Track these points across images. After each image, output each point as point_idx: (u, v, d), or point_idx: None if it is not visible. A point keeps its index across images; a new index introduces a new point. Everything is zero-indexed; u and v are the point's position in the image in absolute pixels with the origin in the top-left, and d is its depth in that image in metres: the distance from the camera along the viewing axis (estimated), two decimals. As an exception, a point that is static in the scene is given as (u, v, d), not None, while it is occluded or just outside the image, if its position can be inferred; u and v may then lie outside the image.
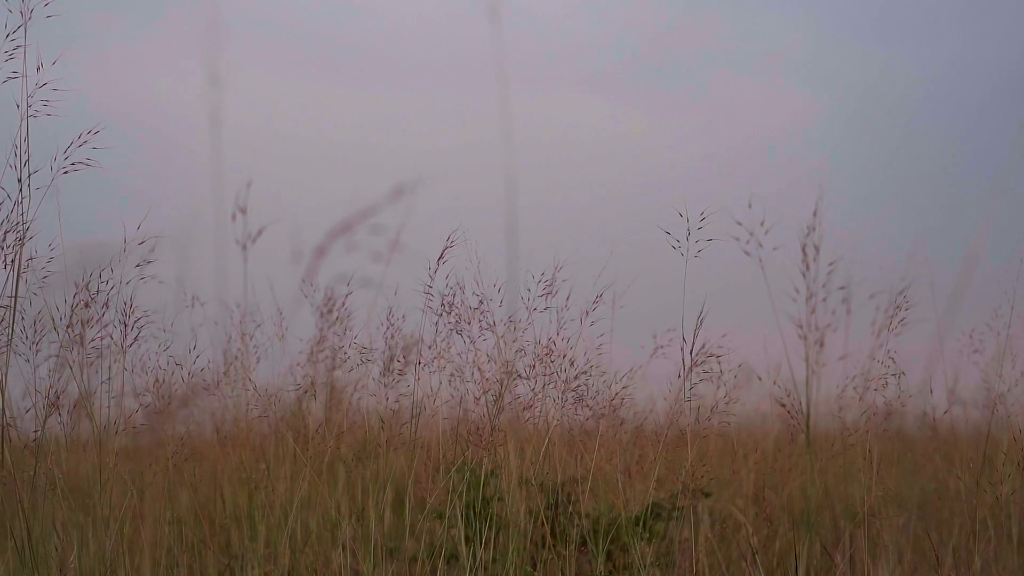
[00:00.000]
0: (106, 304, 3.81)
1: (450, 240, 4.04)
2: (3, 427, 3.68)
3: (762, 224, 3.37)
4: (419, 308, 4.13)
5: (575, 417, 4.25)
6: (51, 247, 3.73)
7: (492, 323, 4.15)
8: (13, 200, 3.65)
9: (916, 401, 4.23)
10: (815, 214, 3.36)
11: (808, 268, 3.36)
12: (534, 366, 4.17)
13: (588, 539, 4.19)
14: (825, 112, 9.53)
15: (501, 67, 3.06)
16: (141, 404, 3.96)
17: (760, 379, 4.50)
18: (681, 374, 4.01)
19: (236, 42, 3.05)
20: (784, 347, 3.37)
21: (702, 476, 4.26)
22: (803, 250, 3.36)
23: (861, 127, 9.04)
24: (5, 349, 3.69)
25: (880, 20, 9.48)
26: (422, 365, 4.12)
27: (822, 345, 3.34)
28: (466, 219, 4.04)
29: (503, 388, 4.10)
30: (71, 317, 3.78)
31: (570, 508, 4.22)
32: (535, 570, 4.11)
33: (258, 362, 4.06)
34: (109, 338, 3.84)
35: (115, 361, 3.86)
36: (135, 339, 3.87)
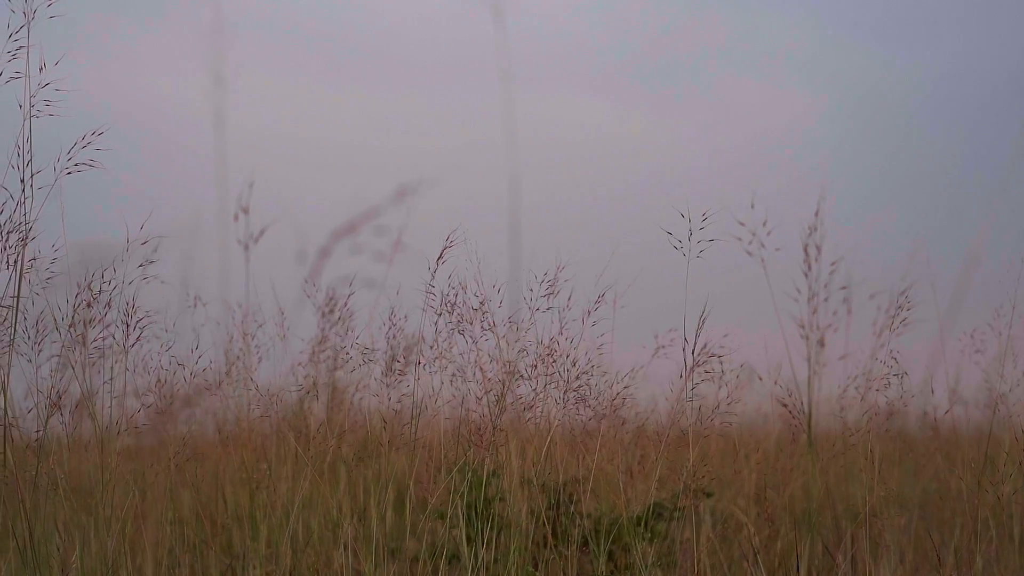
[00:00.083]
0: (108, 304, 3.82)
1: (449, 240, 4.04)
2: (5, 427, 3.69)
3: (764, 224, 3.38)
4: (421, 308, 4.13)
5: (577, 417, 4.25)
6: (54, 247, 3.74)
7: (492, 323, 4.15)
8: (16, 200, 3.65)
9: (917, 401, 4.23)
10: (817, 214, 3.37)
11: (810, 268, 3.36)
12: (536, 366, 4.17)
13: (590, 539, 4.19)
14: (826, 112, 9.53)
15: (505, 67, 3.07)
16: (143, 404, 3.96)
17: (761, 379, 4.51)
18: (683, 374, 4.01)
19: (238, 42, 3.05)
20: (786, 347, 3.37)
21: (704, 476, 4.26)
22: (805, 250, 3.37)
23: (862, 127, 9.04)
24: (7, 349, 3.69)
25: (881, 20, 9.49)
26: (423, 365, 4.13)
27: (823, 345, 3.34)
28: (468, 219, 4.04)
29: (505, 388, 4.10)
30: (73, 317, 3.78)
31: (572, 508, 4.22)
32: (537, 570, 4.11)
33: (260, 362, 4.07)
34: (111, 338, 3.84)
35: (117, 361, 3.86)
36: (137, 339, 3.87)
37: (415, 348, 4.13)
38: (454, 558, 4.01)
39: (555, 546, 4.19)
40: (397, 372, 4.10)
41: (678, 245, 3.85)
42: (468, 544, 3.96)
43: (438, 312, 4.14)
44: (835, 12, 9.55)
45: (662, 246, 3.87)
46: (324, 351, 3.89)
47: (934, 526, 4.56)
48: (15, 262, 3.67)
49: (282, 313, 4.04)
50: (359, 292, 3.84)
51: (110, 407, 3.86)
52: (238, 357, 3.90)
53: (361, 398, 4.11)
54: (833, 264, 3.37)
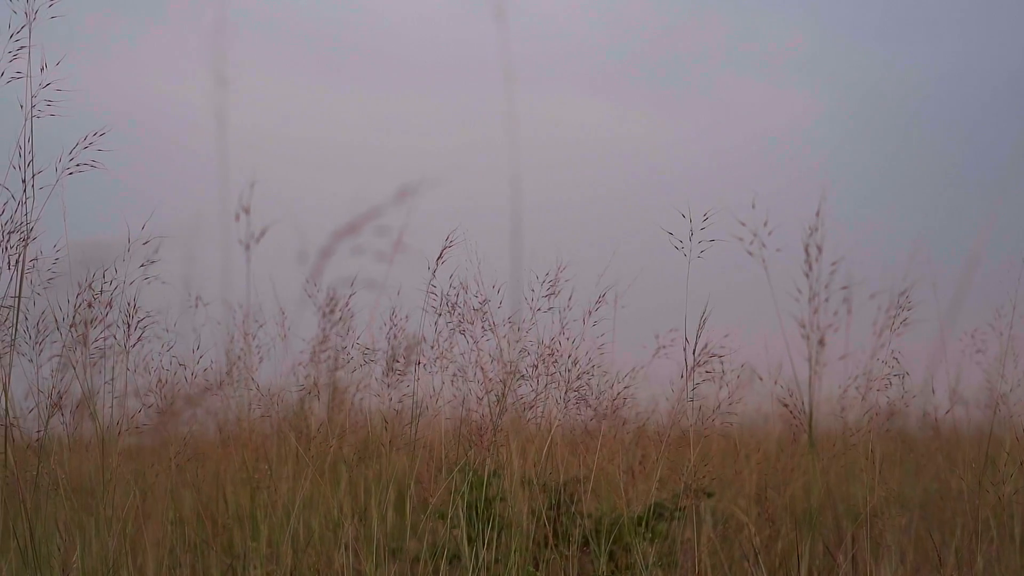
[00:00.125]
0: (109, 304, 3.82)
1: (449, 240, 4.05)
2: (6, 427, 3.69)
3: (765, 224, 3.38)
4: (422, 308, 4.13)
5: (578, 417, 4.26)
6: (56, 247, 3.74)
7: (492, 323, 4.15)
8: (17, 200, 3.66)
9: (918, 401, 4.23)
10: (818, 214, 3.37)
11: (811, 268, 3.36)
12: (537, 366, 4.18)
13: (590, 539, 4.19)
14: (826, 112, 9.53)
15: (507, 67, 3.07)
16: (144, 404, 3.96)
17: (762, 379, 4.51)
18: (684, 374, 4.01)
19: (239, 42, 3.05)
20: (787, 347, 3.38)
21: (704, 476, 4.26)
22: (806, 250, 3.37)
23: (863, 127, 9.04)
24: (8, 349, 3.69)
25: (882, 20, 9.49)
26: (423, 365, 4.13)
27: (824, 345, 3.34)
28: (469, 219, 4.05)
29: (506, 388, 4.10)
30: (74, 317, 3.78)
31: (572, 508, 4.22)
32: (537, 570, 4.11)
33: (261, 362, 4.07)
34: (112, 338, 3.84)
35: (118, 361, 3.86)
36: (138, 339, 3.87)
37: (416, 348, 4.13)
38: (455, 558, 4.01)
39: (556, 546, 4.19)
40: (398, 372, 4.10)
41: (679, 245, 3.86)
42: (469, 544, 3.96)
43: (438, 312, 4.15)
44: (835, 12, 9.56)
45: (663, 246, 3.88)
46: (325, 351, 3.89)
47: (935, 526, 4.56)
48: (16, 262, 3.67)
49: (283, 313, 4.04)
50: (360, 292, 3.84)
51: (111, 407, 3.86)
52: (239, 357, 3.90)
53: (362, 398, 4.11)
54: (834, 264, 3.37)
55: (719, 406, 4.15)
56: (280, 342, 4.04)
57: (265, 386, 4.08)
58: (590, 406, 4.25)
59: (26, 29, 3.63)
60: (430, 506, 4.07)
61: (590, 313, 4.19)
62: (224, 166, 3.16)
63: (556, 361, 4.18)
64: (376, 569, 3.83)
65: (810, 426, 3.51)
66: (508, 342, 4.15)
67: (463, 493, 4.00)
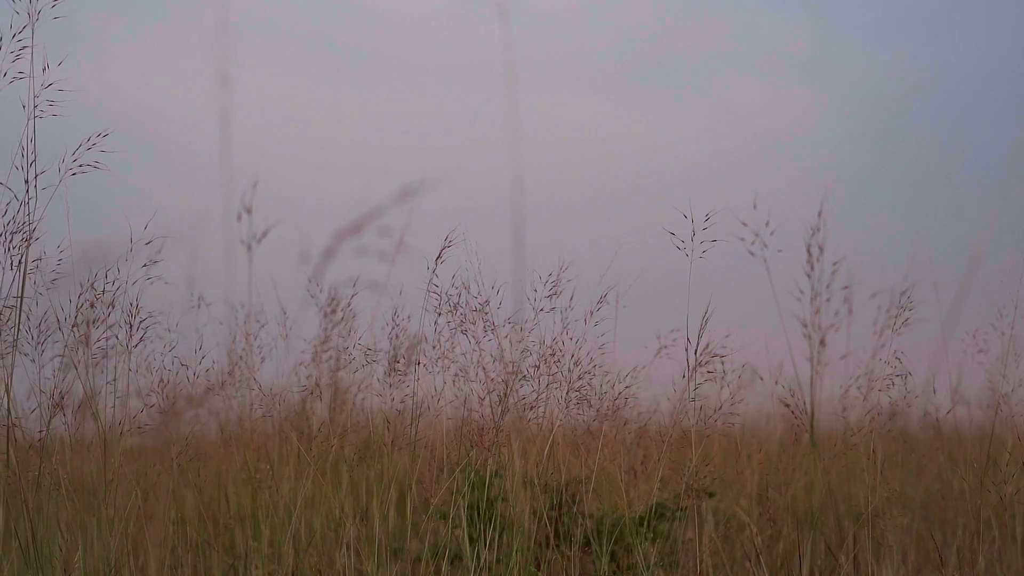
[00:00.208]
0: (112, 304, 3.82)
1: (448, 240, 4.05)
2: (8, 427, 3.69)
3: (767, 224, 3.38)
4: (424, 308, 4.13)
5: (579, 417, 4.26)
6: (58, 248, 3.74)
7: (494, 324, 4.15)
8: (20, 201, 3.66)
9: (920, 401, 4.23)
10: (820, 214, 3.37)
11: (812, 268, 3.37)
12: (538, 366, 4.18)
13: (592, 539, 4.19)
14: (827, 112, 9.53)
15: (510, 67, 3.07)
16: (146, 404, 3.96)
17: (763, 379, 4.51)
18: (685, 374, 4.01)
19: (241, 43, 3.05)
20: (788, 347, 3.38)
21: (706, 476, 4.26)
22: (808, 250, 3.37)
23: (864, 127, 9.04)
24: (11, 349, 3.70)
25: (882, 20, 9.49)
26: (423, 365, 4.13)
27: (825, 345, 3.34)
28: (471, 219, 4.05)
29: (507, 388, 4.11)
30: (77, 317, 3.78)
31: (574, 508, 4.22)
32: (539, 570, 4.11)
33: (263, 362, 4.06)
34: (114, 338, 3.84)
35: (120, 361, 3.86)
36: (140, 339, 3.87)
37: (418, 348, 4.13)
38: (456, 558, 4.02)
39: (557, 546, 4.19)
40: (400, 372, 4.10)
41: (681, 245, 3.86)
42: (470, 544, 3.96)
43: (438, 312, 4.15)
44: (835, 12, 9.55)
45: (664, 246, 3.88)
46: (327, 351, 3.89)
47: (936, 526, 4.56)
48: (19, 262, 3.67)
49: (285, 313, 4.04)
50: (362, 292, 3.84)
51: (113, 407, 3.86)
52: (241, 357, 3.90)
53: (363, 398, 4.11)
54: (835, 264, 3.37)
55: (721, 406, 4.15)
56: (282, 342, 4.04)
57: (267, 386, 4.08)
58: (592, 406, 4.25)
59: (28, 29, 3.63)
60: (432, 506, 4.07)
61: (592, 313, 4.19)
62: (226, 166, 3.16)
63: (558, 361, 4.18)
64: (378, 569, 3.84)
65: (812, 426, 3.51)
66: (510, 342, 4.15)
67: (464, 493, 4.00)
